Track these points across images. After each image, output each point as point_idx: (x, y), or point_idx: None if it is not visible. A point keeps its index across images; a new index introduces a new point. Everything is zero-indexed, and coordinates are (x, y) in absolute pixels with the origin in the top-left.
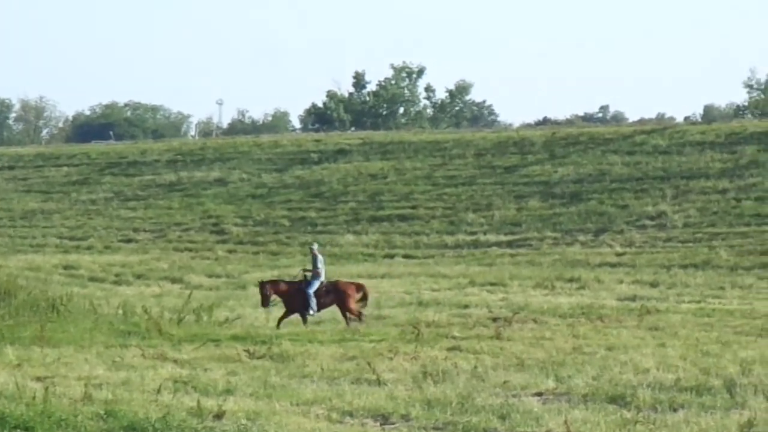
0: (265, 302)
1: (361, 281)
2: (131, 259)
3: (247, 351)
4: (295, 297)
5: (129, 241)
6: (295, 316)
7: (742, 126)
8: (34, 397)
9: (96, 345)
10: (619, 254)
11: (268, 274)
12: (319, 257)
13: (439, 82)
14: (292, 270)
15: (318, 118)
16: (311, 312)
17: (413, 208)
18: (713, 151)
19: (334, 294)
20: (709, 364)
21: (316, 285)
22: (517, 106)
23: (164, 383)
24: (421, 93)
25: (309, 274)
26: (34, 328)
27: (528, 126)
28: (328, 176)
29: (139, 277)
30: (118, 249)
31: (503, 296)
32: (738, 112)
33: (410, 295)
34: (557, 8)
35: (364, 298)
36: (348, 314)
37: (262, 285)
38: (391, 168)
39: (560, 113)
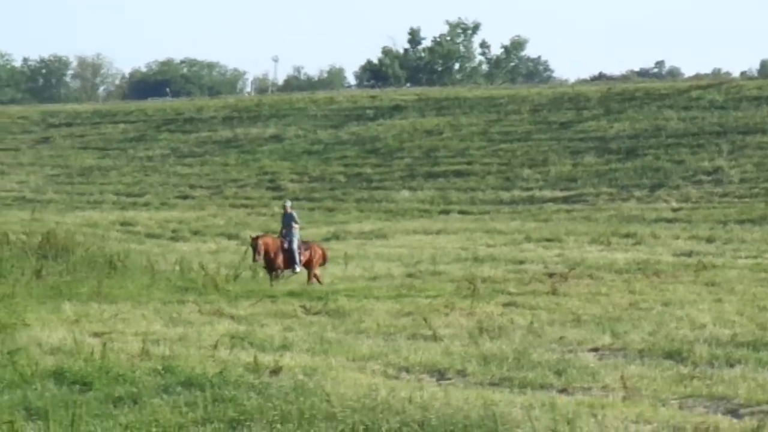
0: (256, 257)
1: (416, 237)
2: (188, 215)
3: (304, 307)
4: (280, 255)
5: (185, 197)
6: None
7: None
8: (92, 353)
9: (153, 301)
10: (675, 210)
11: (324, 231)
12: (294, 214)
13: (495, 38)
14: (349, 226)
15: (373, 74)
16: (297, 269)
17: (469, 164)
18: None
19: (309, 253)
20: (765, 320)
21: (296, 242)
22: (572, 62)
23: (221, 339)
24: (477, 49)
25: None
26: (91, 284)
27: (583, 81)
28: (384, 132)
29: (195, 233)
30: (174, 205)
31: (559, 252)
32: None
33: (466, 250)
34: None
35: (323, 262)
36: (313, 275)
37: (255, 240)
38: (446, 124)
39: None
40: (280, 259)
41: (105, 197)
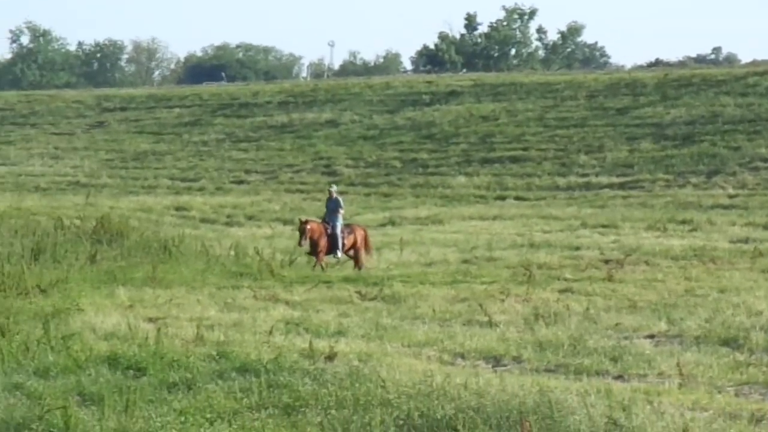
0: (302, 242)
1: (472, 223)
2: (243, 200)
3: (359, 293)
4: (324, 240)
5: (240, 182)
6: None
7: None
8: (146, 338)
9: (208, 286)
10: (731, 196)
11: (380, 216)
12: (340, 199)
13: (551, 23)
14: (404, 212)
15: (429, 59)
16: (338, 254)
17: (525, 149)
18: None
19: (353, 237)
20: None
21: (339, 227)
22: (628, 48)
23: (276, 324)
24: (533, 35)
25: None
26: (146, 269)
27: (640, 68)
28: (440, 118)
29: (250, 218)
30: (229, 190)
31: (615, 238)
32: None
33: (522, 236)
34: None
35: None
36: (361, 258)
37: (303, 224)
38: (502, 109)
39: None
40: (323, 243)
41: (159, 182)
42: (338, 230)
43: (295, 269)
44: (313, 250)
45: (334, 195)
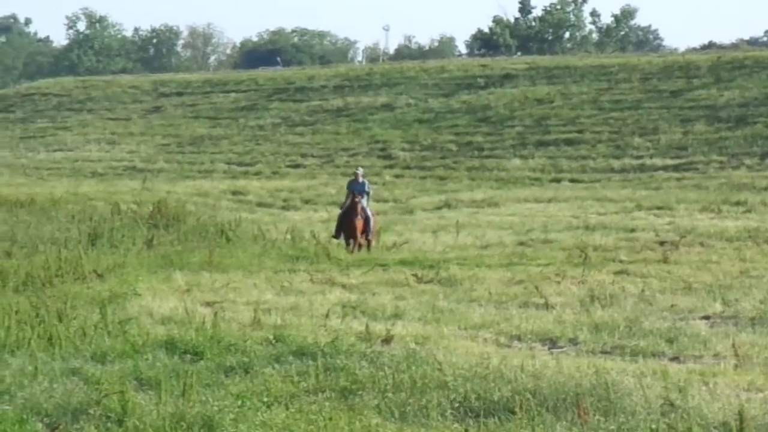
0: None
1: (527, 205)
2: (299, 184)
3: (415, 275)
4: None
5: (297, 166)
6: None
7: None
8: (203, 322)
9: (264, 270)
10: None
11: (435, 199)
12: (367, 183)
13: (605, 6)
14: (460, 194)
15: (484, 43)
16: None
17: (579, 132)
18: None
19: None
20: None
21: (369, 211)
22: (682, 31)
23: (332, 308)
24: (587, 18)
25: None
26: (202, 253)
27: (693, 50)
28: (495, 101)
29: (306, 202)
30: (285, 174)
31: (670, 220)
32: None
33: (577, 219)
34: None
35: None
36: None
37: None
38: (557, 92)
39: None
40: (360, 225)
41: (216, 166)
42: (369, 213)
43: (351, 253)
44: (352, 234)
45: (361, 178)
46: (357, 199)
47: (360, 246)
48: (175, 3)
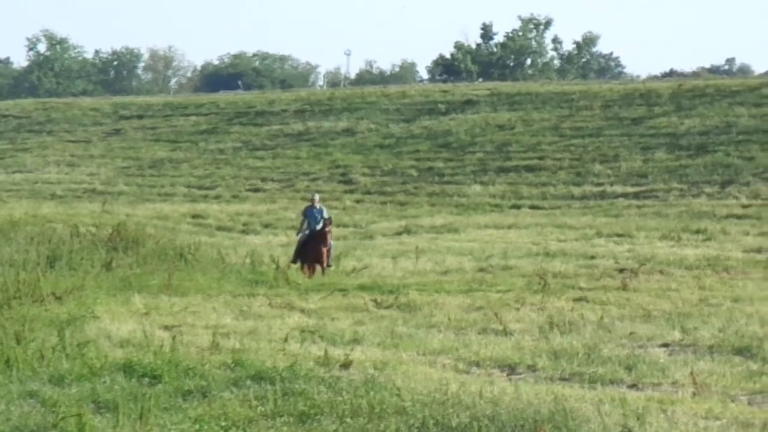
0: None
1: (487, 232)
2: (259, 208)
3: (374, 300)
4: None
5: (257, 190)
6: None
7: None
8: (161, 346)
9: (223, 294)
10: (745, 206)
11: (395, 225)
12: (324, 210)
13: (567, 33)
14: (420, 220)
15: (445, 68)
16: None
17: (540, 158)
18: None
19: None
20: None
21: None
22: (643, 58)
23: (291, 332)
24: (549, 44)
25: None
26: (161, 276)
27: (654, 78)
28: (456, 127)
29: (266, 226)
30: (245, 198)
31: (630, 247)
32: None
33: (537, 245)
34: None
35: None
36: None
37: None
38: (518, 119)
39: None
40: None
41: (176, 189)
42: (330, 240)
43: (308, 279)
44: (318, 260)
45: (317, 204)
46: (328, 228)
47: (315, 271)
48: (135, 25)
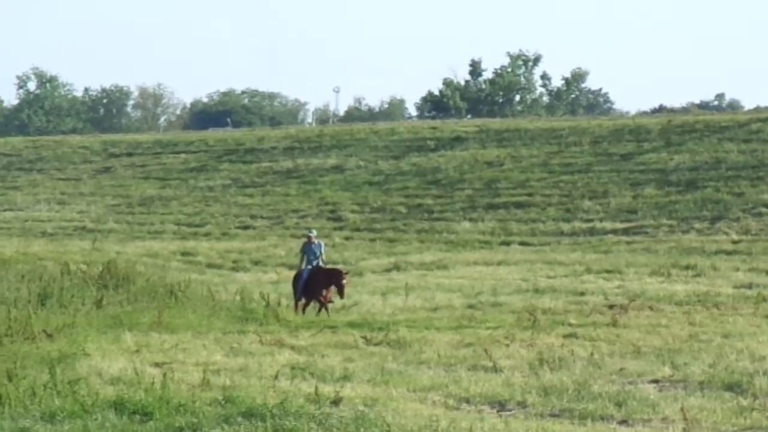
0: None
1: (477, 268)
2: (248, 245)
3: (364, 337)
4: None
5: (246, 227)
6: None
7: None
8: (152, 383)
9: (214, 331)
10: (735, 242)
11: (385, 261)
12: (321, 243)
13: (555, 69)
14: (409, 257)
15: (434, 105)
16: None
17: (529, 195)
18: None
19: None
20: None
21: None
22: (633, 94)
23: (282, 369)
24: (537, 81)
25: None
26: (152, 314)
27: (644, 114)
28: (445, 163)
29: (256, 263)
30: (235, 236)
31: (619, 283)
32: None
33: (526, 282)
34: None
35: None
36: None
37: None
38: (507, 155)
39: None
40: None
41: (166, 227)
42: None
43: (300, 315)
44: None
45: (315, 240)
46: (346, 274)
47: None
48: (125, 63)
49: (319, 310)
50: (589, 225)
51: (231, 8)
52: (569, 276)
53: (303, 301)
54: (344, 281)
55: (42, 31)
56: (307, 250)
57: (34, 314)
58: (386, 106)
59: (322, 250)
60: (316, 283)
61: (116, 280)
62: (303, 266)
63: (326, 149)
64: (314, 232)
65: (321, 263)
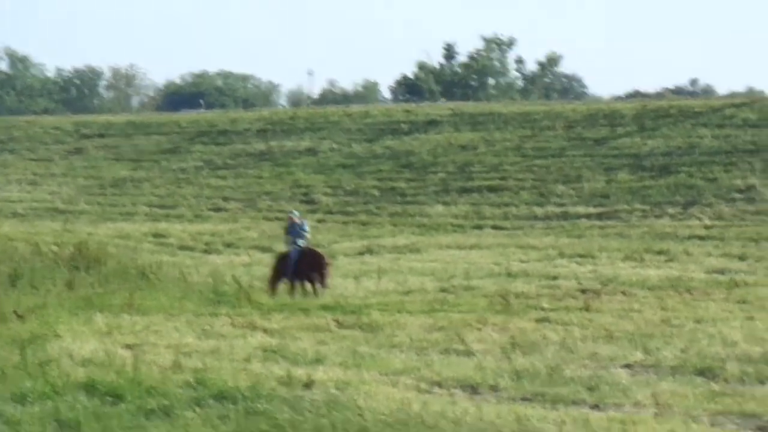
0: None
1: (450, 252)
2: (221, 227)
3: (337, 321)
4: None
5: (219, 209)
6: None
7: None
8: (124, 365)
9: (185, 313)
10: (707, 227)
11: (358, 245)
12: (305, 222)
13: (530, 54)
14: (382, 240)
15: (408, 88)
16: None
17: (503, 179)
18: None
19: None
20: None
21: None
22: (607, 79)
23: (254, 352)
24: (512, 65)
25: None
26: (123, 296)
27: (618, 99)
28: (418, 147)
29: (228, 245)
30: (207, 218)
31: (592, 268)
32: None
33: (499, 266)
34: None
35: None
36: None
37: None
38: (480, 139)
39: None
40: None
41: (137, 209)
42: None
43: (273, 297)
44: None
45: (298, 219)
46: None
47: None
48: (98, 44)
49: (313, 290)
50: (563, 209)
51: None
52: (542, 260)
53: (288, 282)
54: (327, 269)
55: (13, 11)
56: (292, 230)
57: (5, 295)
58: (360, 89)
59: (307, 229)
60: (305, 265)
61: (87, 261)
62: (290, 247)
63: (299, 132)
64: (296, 213)
65: (308, 243)
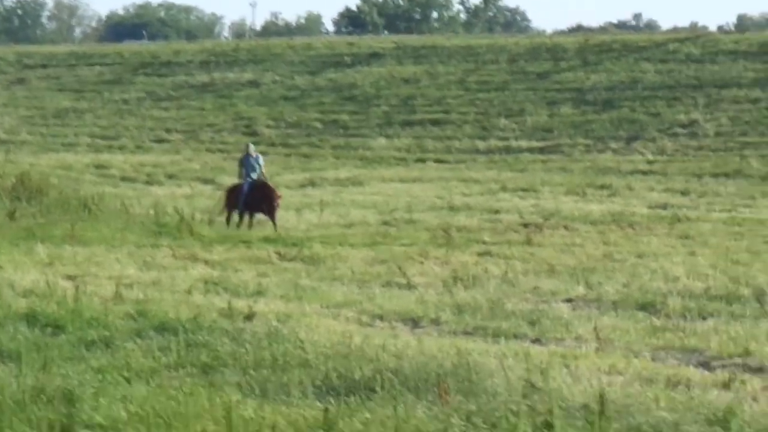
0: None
1: (392, 185)
2: (163, 159)
3: (278, 253)
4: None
5: (161, 141)
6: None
7: None
8: (65, 296)
9: (127, 245)
10: (650, 162)
11: (300, 177)
12: (259, 156)
13: None
14: (324, 173)
15: (351, 21)
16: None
17: (445, 112)
18: (746, 61)
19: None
20: (738, 273)
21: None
22: (550, 13)
23: (195, 284)
24: None
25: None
26: (65, 226)
27: (561, 33)
28: (361, 80)
29: (170, 177)
30: (149, 149)
31: (534, 202)
32: None
33: (441, 199)
34: None
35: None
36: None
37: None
38: (423, 72)
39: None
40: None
41: (80, 140)
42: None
43: (215, 229)
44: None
45: (253, 152)
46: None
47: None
48: None
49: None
50: (505, 143)
51: None
52: (484, 194)
53: (238, 214)
54: (277, 202)
55: None
56: (246, 163)
57: None
58: (303, 21)
59: (261, 163)
60: (256, 197)
61: (29, 192)
62: (242, 179)
63: (242, 64)
64: (252, 146)
65: (262, 177)
